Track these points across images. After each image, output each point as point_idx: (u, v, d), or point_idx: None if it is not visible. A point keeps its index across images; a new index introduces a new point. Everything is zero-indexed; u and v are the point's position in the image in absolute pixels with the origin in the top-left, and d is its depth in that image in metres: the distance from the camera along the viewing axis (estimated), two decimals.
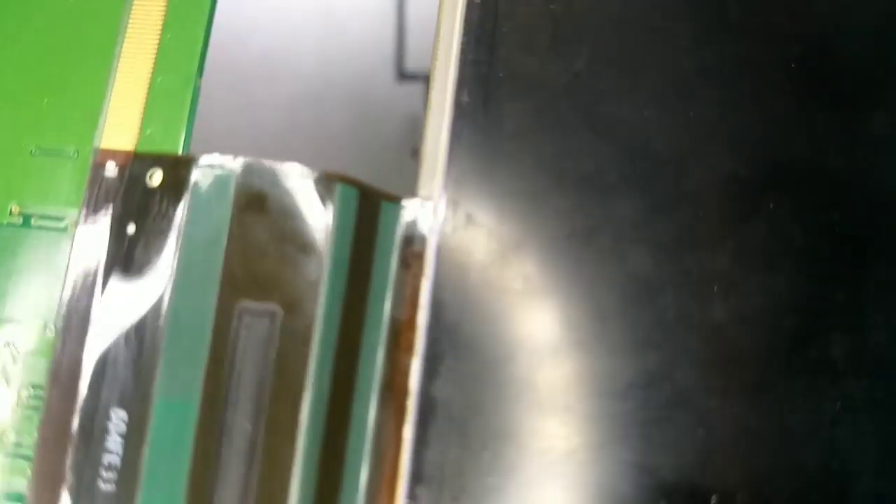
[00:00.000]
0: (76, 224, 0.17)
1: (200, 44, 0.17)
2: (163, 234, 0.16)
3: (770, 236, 0.17)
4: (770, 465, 0.17)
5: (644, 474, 0.16)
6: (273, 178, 0.16)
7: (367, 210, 0.17)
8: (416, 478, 0.16)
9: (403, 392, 0.17)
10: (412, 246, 0.17)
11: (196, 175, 0.17)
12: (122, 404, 0.16)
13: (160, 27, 0.17)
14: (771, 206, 0.17)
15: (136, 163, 0.17)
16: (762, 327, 0.17)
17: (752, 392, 0.17)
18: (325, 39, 0.22)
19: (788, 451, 0.17)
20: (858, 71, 0.18)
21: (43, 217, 0.17)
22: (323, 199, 0.16)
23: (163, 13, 0.18)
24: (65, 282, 0.16)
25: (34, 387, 0.16)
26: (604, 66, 0.18)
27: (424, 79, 0.26)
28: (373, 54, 0.24)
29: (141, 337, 0.16)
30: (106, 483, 0.16)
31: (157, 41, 0.17)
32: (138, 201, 0.17)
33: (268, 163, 0.17)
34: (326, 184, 0.16)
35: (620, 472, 0.16)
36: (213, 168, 0.17)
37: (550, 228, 0.17)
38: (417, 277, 0.17)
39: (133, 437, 0.16)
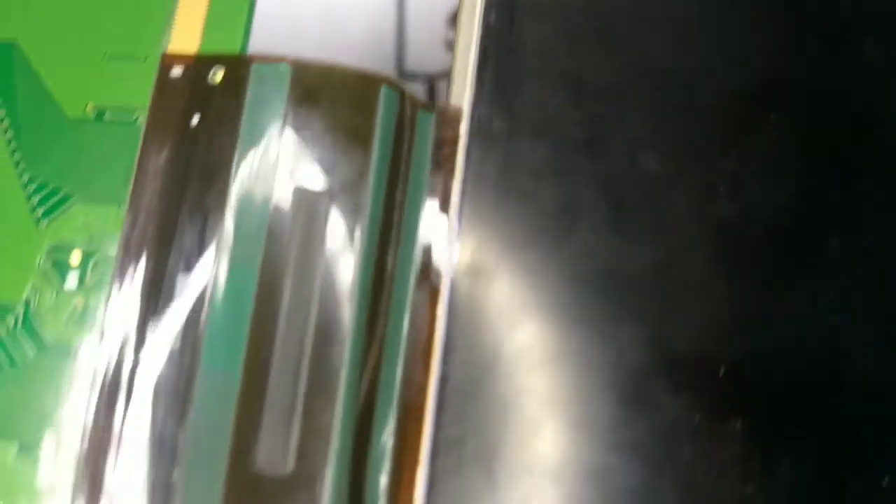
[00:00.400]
0: (146, 118, 0.18)
1: None
2: (224, 124, 0.18)
3: (772, 145, 0.19)
4: (773, 342, 0.18)
5: (657, 348, 0.18)
6: (324, 75, 0.18)
7: (406, 112, 0.19)
8: (448, 349, 0.18)
9: (437, 276, 0.18)
10: (443, 148, 0.19)
11: (254, 73, 0.18)
12: (188, 271, 0.18)
13: None
14: (772, 118, 0.19)
15: (199, 63, 0.19)
16: (764, 224, 0.19)
17: (756, 279, 0.18)
18: (325, 39, 0.24)
19: (790, 330, 0.18)
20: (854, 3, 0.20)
21: (115, 111, 0.19)
22: (370, 97, 0.18)
23: None
24: (136, 167, 0.18)
25: (106, 259, 0.18)
26: None
27: (425, 78, 0.27)
28: (373, 53, 0.26)
29: (205, 211, 0.18)
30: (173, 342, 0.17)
31: None
32: (201, 96, 0.18)
33: (319, 62, 0.18)
34: (373, 83, 0.18)
35: (635, 345, 0.18)
36: (269, 66, 0.18)
37: (570, 135, 0.19)
38: (449, 176, 0.19)
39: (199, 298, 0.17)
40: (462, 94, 0.19)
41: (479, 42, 0.20)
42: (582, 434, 0.18)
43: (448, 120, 0.19)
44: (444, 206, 0.19)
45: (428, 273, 0.18)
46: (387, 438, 0.17)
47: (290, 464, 0.17)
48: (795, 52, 0.20)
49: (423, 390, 0.18)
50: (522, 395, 0.18)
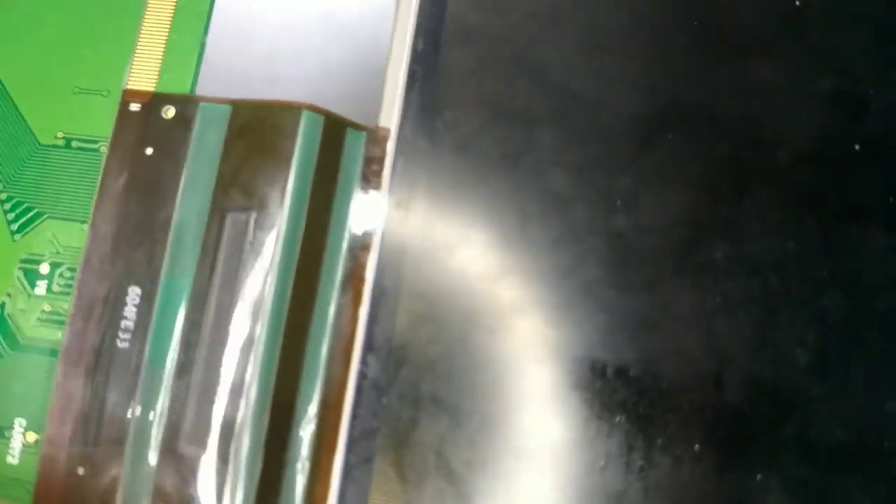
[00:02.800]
0: (108, 147, 0.21)
1: (207, 7, 0.22)
2: (173, 155, 0.21)
3: (666, 162, 0.21)
4: (659, 345, 0.20)
5: (555, 351, 0.20)
6: (256, 110, 0.21)
7: (333, 134, 0.21)
8: (368, 348, 0.20)
9: (361, 281, 0.21)
10: (372, 165, 0.21)
11: (200, 111, 0.21)
12: (138, 283, 0.20)
13: None
14: (669, 137, 0.21)
15: (154, 101, 0.21)
16: (656, 235, 0.21)
17: (647, 287, 0.20)
18: (326, 41, 0.25)
19: (675, 335, 0.20)
20: (747, 29, 0.22)
21: (81, 139, 0.21)
22: (293, 125, 0.20)
23: None
24: (97, 191, 0.21)
25: (71, 269, 0.21)
26: (535, 21, 0.22)
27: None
28: (374, 57, 0.26)
29: (153, 233, 0.20)
30: (122, 342, 0.20)
31: (174, 5, 0.22)
32: (155, 130, 0.21)
33: (252, 100, 0.21)
34: (295, 112, 0.20)
35: (536, 347, 0.20)
36: (213, 107, 0.21)
37: (487, 151, 0.21)
38: (377, 188, 0.21)
39: (144, 308, 0.20)
40: (391, 115, 0.22)
41: (406, 67, 0.22)
42: (490, 435, 0.20)
43: (377, 139, 0.21)
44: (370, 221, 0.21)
45: (355, 278, 0.21)
46: (304, 433, 0.20)
47: (207, 445, 0.19)
48: (688, 79, 0.21)
49: (342, 387, 0.20)
50: (431, 394, 0.20)
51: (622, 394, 0.20)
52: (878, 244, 0.20)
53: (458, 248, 0.21)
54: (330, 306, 0.20)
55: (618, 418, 0.20)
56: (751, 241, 0.20)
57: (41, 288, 0.21)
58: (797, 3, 0.21)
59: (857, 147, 0.20)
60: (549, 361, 0.20)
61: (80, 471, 0.20)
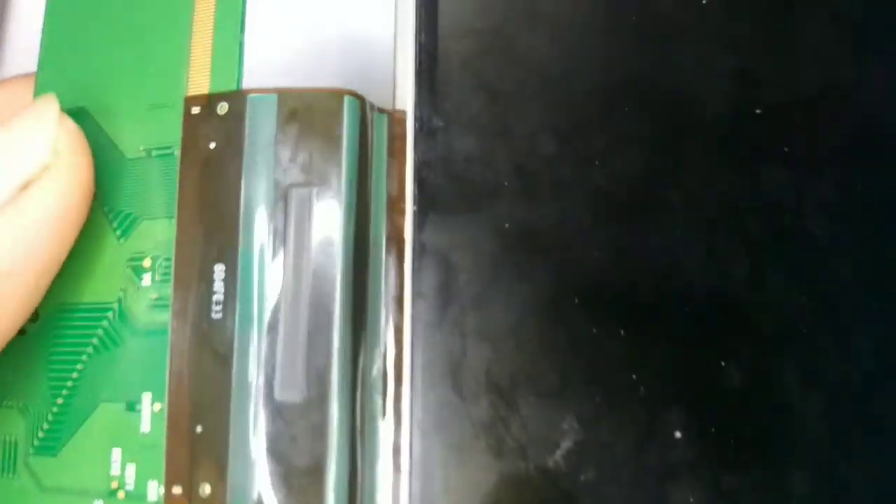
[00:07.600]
0: (180, 150, 0.24)
1: (240, 11, 0.25)
2: (233, 145, 0.24)
3: (627, 128, 0.24)
4: (637, 269, 0.23)
5: (562, 281, 0.23)
6: (301, 98, 0.23)
7: (367, 115, 0.23)
8: (416, 296, 0.23)
9: (401, 240, 0.24)
10: (396, 142, 0.24)
11: (249, 103, 0.24)
12: (222, 260, 0.23)
13: (213, 7, 0.25)
14: (625, 108, 0.24)
15: (210, 101, 0.24)
16: (626, 186, 0.23)
17: (622, 227, 0.23)
18: (344, 61, 0.27)
19: (646, 259, 0.23)
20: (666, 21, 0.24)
21: (159, 149, 0.25)
22: (337, 108, 0.23)
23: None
24: (178, 188, 0.24)
25: (167, 260, 0.24)
26: (515, 17, 0.24)
27: None
28: (378, 53, 0.27)
29: (224, 213, 0.23)
30: (216, 313, 0.23)
31: (212, 15, 0.25)
32: (214, 126, 0.24)
33: (297, 89, 0.24)
34: (338, 97, 0.23)
35: (546, 280, 0.23)
36: (260, 97, 0.24)
37: (487, 128, 0.24)
38: (402, 163, 0.24)
39: (229, 281, 0.23)
40: (405, 98, 0.24)
41: (415, 56, 0.24)
42: (514, 347, 0.22)
43: (397, 120, 0.24)
44: (402, 186, 0.24)
45: (395, 235, 0.23)
46: (378, 365, 0.23)
47: (300, 390, 0.22)
48: (642, 57, 0.24)
49: (399, 330, 0.23)
50: (466, 322, 0.23)
51: (617, 311, 0.23)
52: (779, 181, 0.23)
53: (472, 206, 0.23)
54: (381, 265, 0.23)
55: (617, 330, 0.22)
56: (691, 183, 0.23)
57: (146, 280, 0.24)
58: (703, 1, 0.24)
59: (757, 111, 0.24)
60: (561, 290, 0.23)
61: (199, 429, 0.23)
